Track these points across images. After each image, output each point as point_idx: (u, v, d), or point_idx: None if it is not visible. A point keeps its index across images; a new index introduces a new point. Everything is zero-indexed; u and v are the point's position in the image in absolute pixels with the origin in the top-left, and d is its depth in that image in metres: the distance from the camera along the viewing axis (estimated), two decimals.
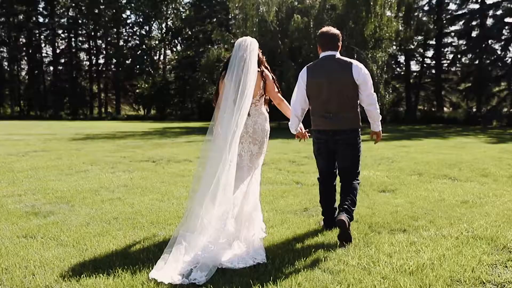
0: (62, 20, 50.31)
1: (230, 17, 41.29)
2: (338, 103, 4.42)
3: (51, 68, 51.26)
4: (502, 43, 34.18)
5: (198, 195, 4.04)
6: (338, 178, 4.72)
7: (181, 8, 50.63)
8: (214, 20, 45.71)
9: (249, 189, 4.33)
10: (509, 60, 34.00)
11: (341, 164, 4.60)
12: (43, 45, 50.85)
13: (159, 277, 3.35)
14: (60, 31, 50.42)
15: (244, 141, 4.42)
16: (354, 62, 4.44)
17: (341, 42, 4.58)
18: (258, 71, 4.42)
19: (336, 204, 4.66)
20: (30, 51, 49.36)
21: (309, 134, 4.82)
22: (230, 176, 3.97)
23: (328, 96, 4.42)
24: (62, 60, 51.25)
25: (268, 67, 4.68)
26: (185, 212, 4.19)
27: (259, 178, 4.54)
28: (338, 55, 4.49)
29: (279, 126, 24.67)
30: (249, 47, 4.38)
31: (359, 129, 4.61)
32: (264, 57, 4.67)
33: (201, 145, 4.60)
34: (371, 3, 23.12)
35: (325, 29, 4.61)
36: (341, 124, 4.44)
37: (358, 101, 4.50)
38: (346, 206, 4.31)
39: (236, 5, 24.94)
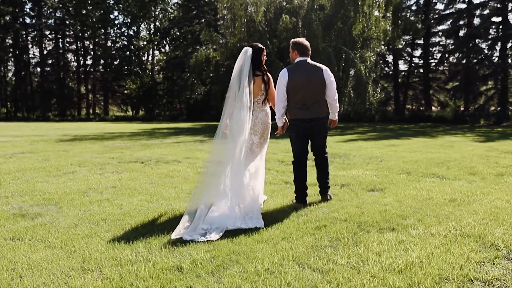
0: (49, 21, 49.88)
1: (218, 17, 41.29)
2: (314, 98, 5.72)
3: (38, 69, 50.71)
4: (489, 42, 34.45)
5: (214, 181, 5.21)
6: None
7: (169, 8, 50.54)
8: (203, 20, 45.68)
9: (257, 172, 5.50)
10: (496, 59, 34.28)
11: (316, 143, 5.92)
12: (30, 46, 50.31)
13: (183, 236, 4.39)
14: (47, 32, 49.92)
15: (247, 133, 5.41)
16: (323, 67, 5.79)
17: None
18: (259, 75, 5.54)
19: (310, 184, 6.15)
20: (17, 52, 48.81)
21: (284, 131, 5.92)
22: (240, 168, 5.20)
23: (306, 92, 5.68)
24: (50, 61, 50.68)
25: (266, 70, 5.70)
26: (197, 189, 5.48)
27: (264, 161, 5.75)
28: (309, 60, 5.79)
29: None
30: (246, 56, 5.45)
31: (326, 117, 5.90)
32: (265, 58, 5.71)
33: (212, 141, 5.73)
34: (359, 3, 23.19)
35: (300, 39, 5.88)
36: (315, 113, 5.74)
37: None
38: (327, 184, 5.97)
39: (224, 5, 24.92)
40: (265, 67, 5.68)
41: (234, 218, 4.84)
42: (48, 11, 49.30)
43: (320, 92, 5.72)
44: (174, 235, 4.40)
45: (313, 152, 6.02)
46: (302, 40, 5.85)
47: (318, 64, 5.81)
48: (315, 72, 5.71)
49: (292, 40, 5.93)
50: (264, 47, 5.75)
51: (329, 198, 5.95)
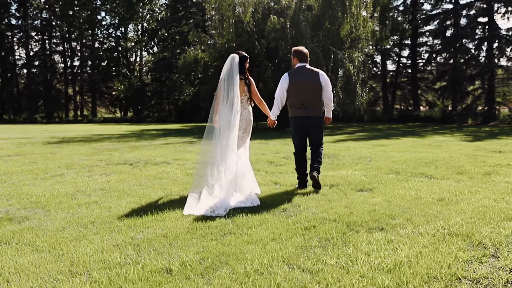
0: (36, 22, 49.52)
1: (206, 18, 41.17)
2: (311, 99, 6.63)
3: (25, 70, 50.31)
4: (476, 42, 34.71)
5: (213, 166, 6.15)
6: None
7: (156, 9, 50.29)
8: (191, 21, 45.53)
9: (241, 161, 6.32)
10: (483, 59, 34.55)
11: (313, 139, 6.80)
12: (16, 47, 49.94)
13: (194, 213, 5.34)
14: (33, 33, 49.54)
15: None
16: (320, 71, 6.70)
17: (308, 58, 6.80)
18: (242, 79, 6.36)
19: (307, 171, 6.88)
20: (3, 54, 48.29)
21: (277, 123, 6.96)
22: (233, 154, 6.12)
23: (304, 94, 6.59)
24: (36, 63, 50.29)
25: (248, 74, 6.51)
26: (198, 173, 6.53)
27: (248, 153, 6.63)
28: (308, 65, 6.70)
29: (257, 127, 24.67)
30: (234, 62, 6.28)
31: (322, 115, 6.85)
32: (248, 66, 6.51)
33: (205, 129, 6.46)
34: (347, 4, 23.23)
35: (300, 48, 6.83)
36: (312, 112, 6.65)
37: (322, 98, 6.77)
38: (315, 166, 6.61)
39: (212, 6, 24.82)
40: (248, 73, 6.51)
41: (234, 199, 5.82)
42: (34, 12, 48.99)
43: (317, 93, 6.64)
44: (186, 212, 5.37)
45: (310, 147, 6.88)
46: (302, 48, 6.80)
47: (315, 69, 6.72)
48: (312, 76, 6.62)
49: (293, 48, 6.89)
50: (248, 56, 6.61)
51: (315, 177, 6.51)
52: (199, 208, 5.45)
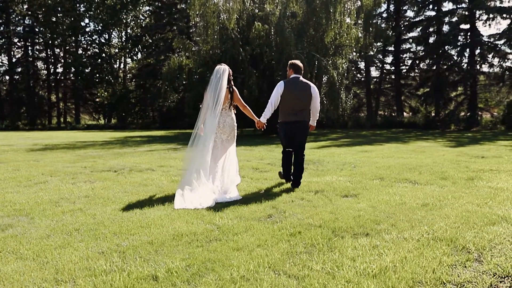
0: (18, 28, 49.07)
1: (191, 24, 41.21)
2: (301, 106, 7.42)
3: (7, 77, 49.70)
4: (458, 49, 35.16)
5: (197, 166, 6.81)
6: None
7: (141, 16, 50.20)
8: (175, 28, 45.49)
9: (228, 162, 7.18)
10: (465, 65, 34.99)
11: (298, 141, 7.52)
12: None
13: (187, 207, 5.99)
14: (16, 40, 49.10)
15: (217, 132, 7.17)
16: (312, 84, 7.55)
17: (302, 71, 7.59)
18: (227, 87, 7.12)
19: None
20: None
21: (266, 124, 7.67)
22: (211, 156, 6.99)
23: (296, 102, 7.37)
24: (19, 69, 49.74)
25: (232, 84, 7.31)
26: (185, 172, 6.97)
27: (235, 154, 7.46)
28: (301, 77, 7.49)
29: (241, 133, 24.67)
30: (222, 73, 7.07)
31: (308, 121, 7.62)
32: (231, 75, 7.33)
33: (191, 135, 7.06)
34: (331, 11, 23.37)
35: (296, 61, 7.61)
36: (301, 117, 7.44)
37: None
38: (297, 177, 7.46)
39: (197, 12, 24.80)
40: (231, 82, 7.28)
41: (217, 195, 6.56)
42: (17, 18, 48.48)
43: (307, 103, 7.45)
44: (177, 206, 5.99)
45: (294, 150, 7.57)
46: (298, 61, 7.60)
47: (307, 81, 7.53)
48: (305, 88, 7.42)
49: (290, 61, 7.67)
50: (230, 68, 7.39)
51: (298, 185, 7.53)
52: (188, 202, 6.10)
